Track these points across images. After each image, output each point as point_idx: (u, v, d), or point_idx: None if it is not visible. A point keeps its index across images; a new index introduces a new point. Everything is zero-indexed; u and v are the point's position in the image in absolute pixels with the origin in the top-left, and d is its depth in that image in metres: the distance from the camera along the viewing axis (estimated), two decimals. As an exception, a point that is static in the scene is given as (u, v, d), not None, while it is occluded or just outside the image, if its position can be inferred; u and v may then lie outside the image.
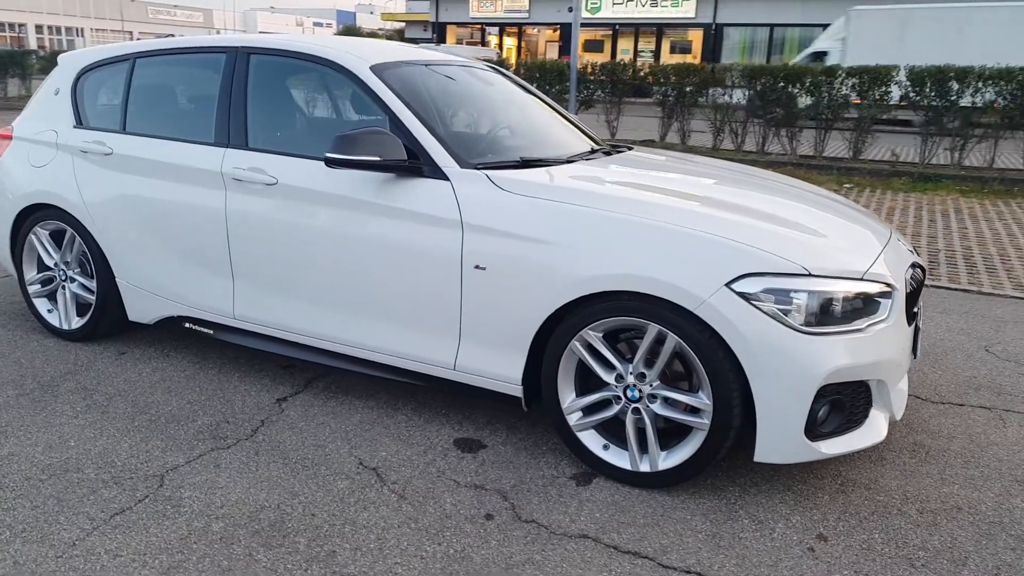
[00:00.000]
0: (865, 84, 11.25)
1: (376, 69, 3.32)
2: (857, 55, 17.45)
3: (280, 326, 3.43)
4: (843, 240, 2.83)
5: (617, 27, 28.20)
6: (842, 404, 2.64)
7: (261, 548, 2.46)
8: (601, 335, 2.76)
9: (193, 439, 3.12)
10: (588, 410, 2.88)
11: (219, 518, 2.61)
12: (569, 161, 3.38)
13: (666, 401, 2.72)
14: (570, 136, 3.83)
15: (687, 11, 26.68)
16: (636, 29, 27.95)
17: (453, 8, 31.14)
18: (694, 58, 26.56)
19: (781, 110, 11.89)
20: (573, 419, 2.88)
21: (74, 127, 3.94)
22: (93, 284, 3.93)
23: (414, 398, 3.53)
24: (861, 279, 2.62)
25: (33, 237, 4.05)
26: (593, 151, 3.72)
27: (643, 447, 2.79)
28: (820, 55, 19.10)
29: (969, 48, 16.90)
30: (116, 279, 3.85)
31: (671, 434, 2.79)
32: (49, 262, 4.06)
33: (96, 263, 3.86)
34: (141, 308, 3.84)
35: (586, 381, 2.90)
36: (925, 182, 10.51)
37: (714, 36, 26.70)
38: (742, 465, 2.98)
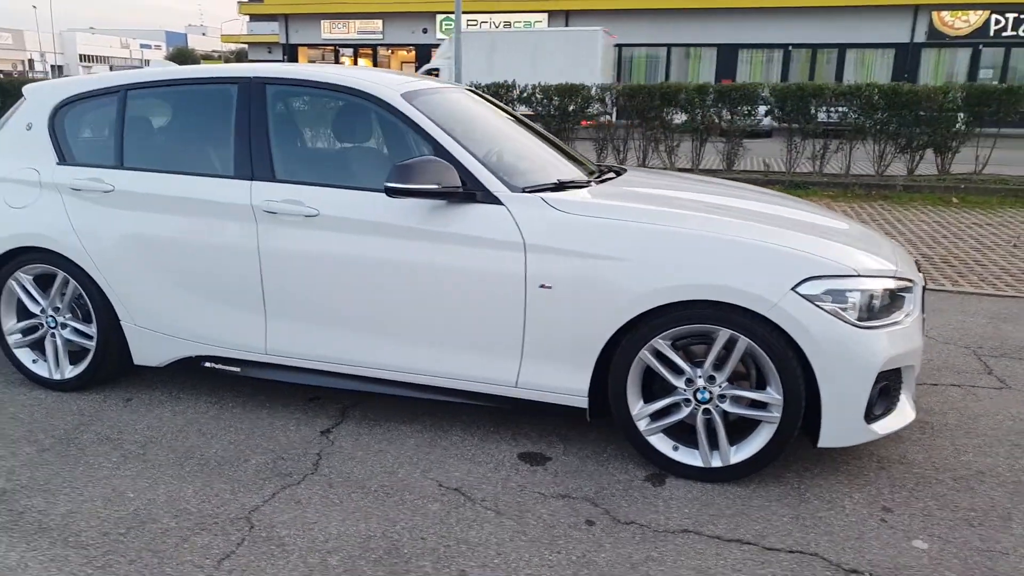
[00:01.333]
0: (735, 101, 12.18)
1: (407, 97, 3.39)
2: (462, 72, 19.41)
3: (322, 357, 3.41)
4: (864, 243, 3.20)
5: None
6: (888, 389, 2.99)
7: (392, 575, 2.48)
8: (670, 343, 2.98)
9: (257, 478, 3.06)
10: (656, 415, 3.08)
11: (331, 552, 2.60)
12: (601, 181, 3.58)
13: (733, 400, 2.97)
14: (567, 158, 3.98)
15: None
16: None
17: (304, 30, 30.61)
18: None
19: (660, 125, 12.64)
20: (643, 425, 3.07)
21: (57, 164, 3.72)
22: (91, 329, 3.72)
23: (458, 419, 3.60)
24: (894, 277, 2.98)
25: (13, 284, 3.78)
26: (603, 172, 3.93)
27: (713, 444, 3.02)
28: (433, 71, 21.29)
29: (545, 66, 19.48)
30: (121, 322, 3.66)
31: (731, 431, 3.04)
32: (35, 309, 3.80)
33: (96, 306, 3.66)
34: (151, 351, 3.67)
35: (650, 387, 3.10)
36: (796, 189, 11.50)
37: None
38: (786, 455, 3.27)
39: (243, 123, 3.46)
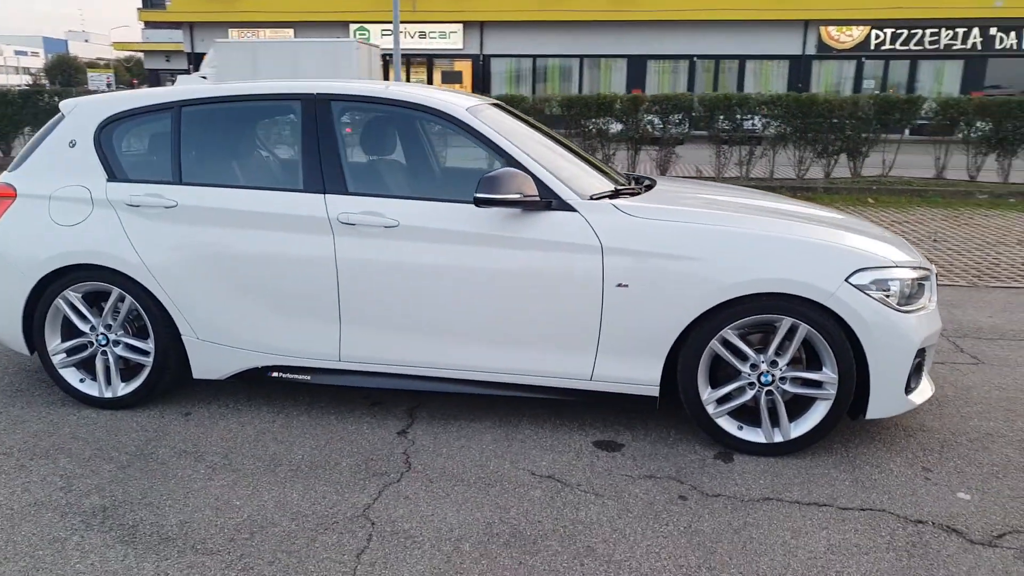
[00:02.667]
0: (667, 110, 12.79)
1: (472, 112, 3.60)
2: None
3: (398, 361, 3.56)
4: (884, 238, 3.61)
5: (387, 57, 28.73)
6: (920, 366, 3.40)
7: (526, 556, 2.69)
8: (736, 333, 3.30)
9: (355, 479, 3.19)
10: (721, 399, 3.39)
11: (460, 540, 2.78)
12: (647, 188, 3.87)
13: (792, 381, 3.31)
14: (595, 167, 4.24)
15: (455, 43, 27.87)
16: (407, 60, 28.67)
17: (210, 38, 29.72)
18: (463, 88, 27.80)
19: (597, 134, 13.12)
20: (711, 409, 3.38)
21: (108, 181, 3.72)
22: (147, 345, 3.73)
23: (523, 413, 3.81)
24: (918, 267, 3.40)
25: (61, 303, 3.74)
26: (639, 179, 4.24)
27: (773, 422, 3.36)
28: (202, 79, 21.92)
29: (306, 75, 20.58)
30: (182, 336, 3.69)
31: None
32: (83, 327, 3.77)
33: (155, 322, 3.68)
34: (213, 363, 3.72)
35: (715, 374, 3.41)
36: (726, 193, 12.17)
37: (483, 66, 28.17)
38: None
39: (311, 138, 3.58)
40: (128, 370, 3.84)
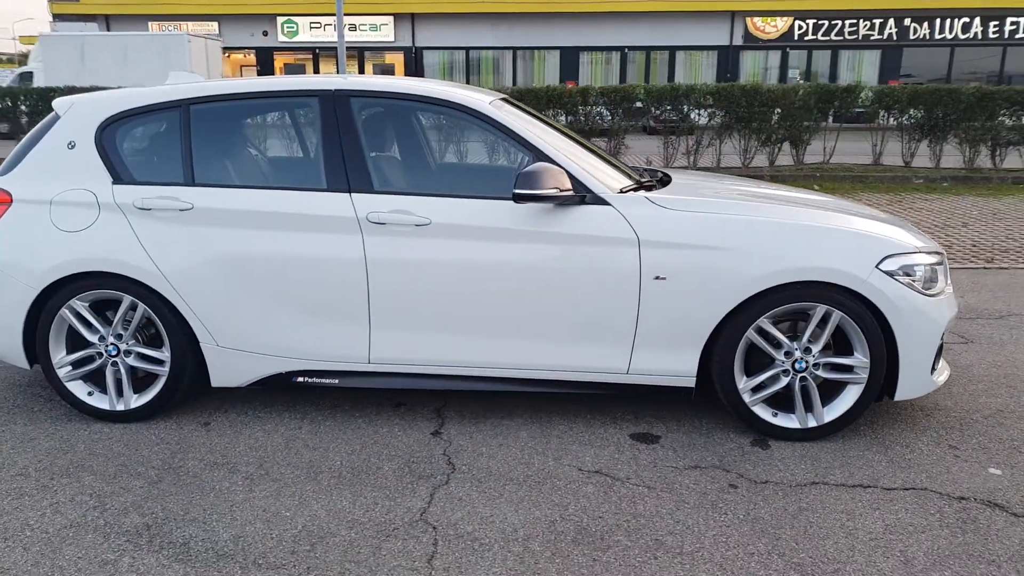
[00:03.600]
0: (616, 101, 12.92)
1: (494, 106, 3.55)
2: (53, 76, 20.31)
3: (431, 361, 3.50)
4: (899, 225, 3.73)
5: (317, 51, 28.15)
6: (941, 348, 3.53)
7: (597, 552, 2.69)
8: (771, 321, 3.36)
9: (401, 483, 3.13)
10: (756, 388, 3.45)
11: (527, 539, 2.76)
12: (663, 181, 3.90)
13: (825, 367, 3.40)
14: (606, 161, 4.25)
15: (386, 35, 27.48)
16: (337, 52, 28.14)
17: (128, 31, 28.59)
18: (397, 80, 27.54)
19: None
20: (747, 397, 3.44)
21: (114, 183, 3.54)
22: (162, 354, 3.57)
23: (553, 410, 3.80)
24: (935, 252, 3.53)
25: (67, 312, 3.54)
26: (656, 171, 4.26)
27: (807, 408, 3.44)
28: (27, 75, 21.93)
29: (137, 69, 20.92)
30: (200, 344, 3.55)
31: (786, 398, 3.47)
32: (92, 338, 3.58)
33: (171, 329, 3.52)
34: (234, 371, 3.58)
35: (748, 362, 3.47)
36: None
37: (415, 59, 27.87)
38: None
39: (332, 136, 3.47)
40: (138, 381, 3.67)
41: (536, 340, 3.44)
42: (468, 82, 27.15)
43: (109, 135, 3.60)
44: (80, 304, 3.55)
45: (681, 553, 2.67)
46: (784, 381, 3.42)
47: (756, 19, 26.94)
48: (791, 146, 13.00)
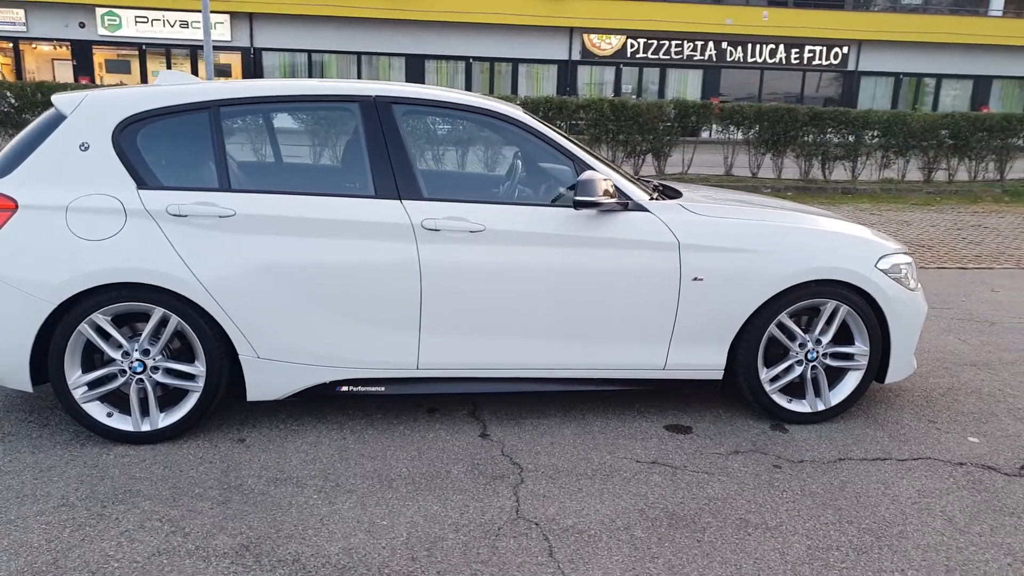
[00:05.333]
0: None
1: (528, 115, 3.69)
2: None
3: (478, 364, 3.56)
4: (864, 228, 4.24)
5: (144, 47, 26.31)
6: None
7: (696, 533, 2.90)
8: (789, 317, 3.73)
9: (479, 485, 3.18)
10: (773, 379, 3.80)
11: (629, 528, 2.92)
12: (670, 192, 4.18)
13: (832, 356, 3.81)
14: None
15: (222, 34, 26.20)
16: (167, 50, 26.44)
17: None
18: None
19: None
20: (769, 388, 3.78)
21: (139, 188, 3.32)
22: (196, 368, 3.38)
23: (584, 406, 3.96)
24: (906, 253, 4.06)
25: (87, 327, 3.27)
26: (648, 181, 4.54)
27: (816, 393, 3.84)
28: None
29: None
30: (240, 356, 3.40)
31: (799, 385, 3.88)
32: (114, 354, 3.32)
33: (206, 342, 3.35)
34: (274, 383, 3.46)
35: (767, 355, 3.82)
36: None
37: (254, 60, 26.78)
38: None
39: (377, 142, 3.46)
40: (165, 399, 3.45)
41: (582, 340, 3.60)
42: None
43: (128, 137, 3.37)
44: (102, 318, 3.29)
45: (768, 528, 2.94)
46: (798, 371, 3.80)
47: (592, 36, 28.28)
48: (654, 157, 13.87)
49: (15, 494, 3.00)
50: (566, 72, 28.45)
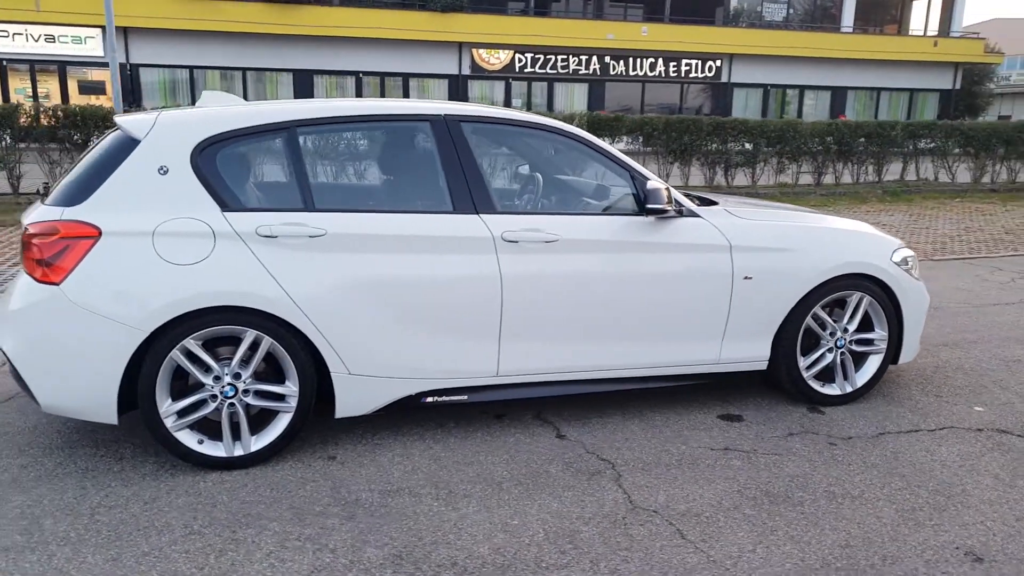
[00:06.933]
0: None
1: (582, 130, 3.91)
2: None
3: (552, 369, 3.72)
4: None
5: (5, 63, 24.54)
6: (916, 320, 4.54)
7: (795, 506, 3.18)
8: (821, 307, 4.11)
9: (580, 482, 3.35)
10: (808, 366, 4.16)
11: (737, 508, 3.17)
12: (705, 200, 4.49)
13: (857, 343, 4.22)
14: None
15: (93, 49, 24.80)
16: (31, 66, 24.77)
17: None
18: (109, 100, 24.89)
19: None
20: (806, 375, 4.14)
21: (224, 211, 3.29)
22: (288, 388, 3.37)
23: (642, 402, 4.18)
24: (908, 247, 4.54)
25: (179, 355, 3.21)
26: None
27: (843, 376, 4.23)
28: None
29: None
30: (331, 373, 3.41)
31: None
32: (205, 379, 3.27)
33: (299, 361, 3.33)
34: (364, 398, 3.49)
35: (802, 344, 4.18)
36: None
37: (130, 76, 25.50)
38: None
39: (451, 160, 3.57)
40: (253, 421, 3.41)
41: (648, 340, 3.83)
42: (194, 103, 25.51)
43: (207, 159, 3.33)
44: (194, 343, 3.23)
45: (854, 497, 3.26)
46: (829, 358, 4.18)
47: (481, 51, 28.71)
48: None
49: (133, 527, 2.92)
50: (457, 87, 28.73)
